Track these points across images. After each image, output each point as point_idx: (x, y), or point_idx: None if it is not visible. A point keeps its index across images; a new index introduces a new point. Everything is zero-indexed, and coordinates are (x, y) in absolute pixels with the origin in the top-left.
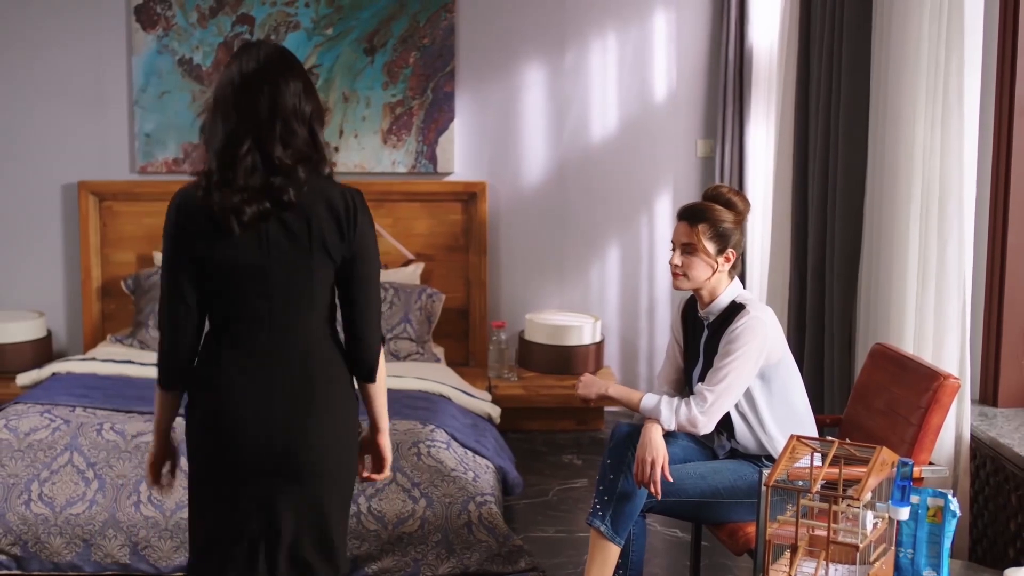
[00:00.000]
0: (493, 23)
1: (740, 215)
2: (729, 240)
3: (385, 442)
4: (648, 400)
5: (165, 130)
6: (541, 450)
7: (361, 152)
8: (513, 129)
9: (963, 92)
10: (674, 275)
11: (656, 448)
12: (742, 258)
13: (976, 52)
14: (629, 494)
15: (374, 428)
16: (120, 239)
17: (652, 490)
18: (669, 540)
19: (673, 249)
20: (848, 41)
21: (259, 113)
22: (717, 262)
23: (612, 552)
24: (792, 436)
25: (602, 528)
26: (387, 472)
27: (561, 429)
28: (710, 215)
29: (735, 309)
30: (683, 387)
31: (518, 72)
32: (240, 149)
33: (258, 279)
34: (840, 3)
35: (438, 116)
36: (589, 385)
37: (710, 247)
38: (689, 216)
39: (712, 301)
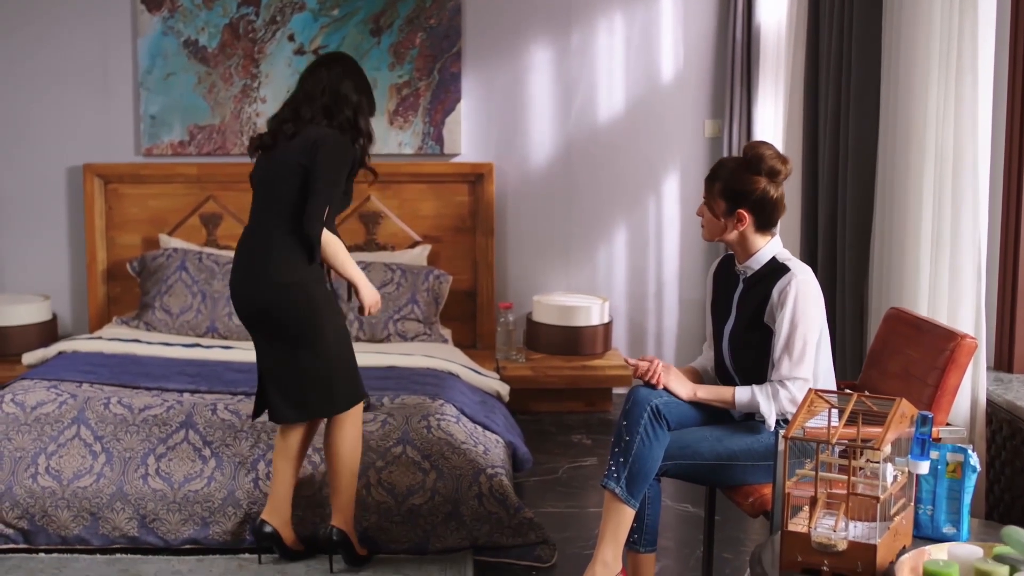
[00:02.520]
0: (500, 4)
1: (769, 177)
2: (744, 200)
3: (361, 293)
4: (742, 394)
5: (170, 112)
6: (550, 430)
7: None
8: (520, 110)
9: (977, 54)
10: (701, 226)
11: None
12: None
13: (990, 13)
14: (644, 456)
15: (350, 286)
16: (126, 222)
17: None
18: (681, 514)
19: None
20: (859, 9)
21: (308, 89)
22: (724, 222)
23: (627, 515)
24: (810, 390)
25: (617, 490)
26: (368, 311)
27: (570, 410)
28: (722, 174)
29: (777, 269)
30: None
31: (525, 53)
32: (283, 110)
33: (256, 186)
34: None
35: (444, 97)
36: (683, 386)
37: (719, 206)
38: (709, 174)
39: (748, 257)
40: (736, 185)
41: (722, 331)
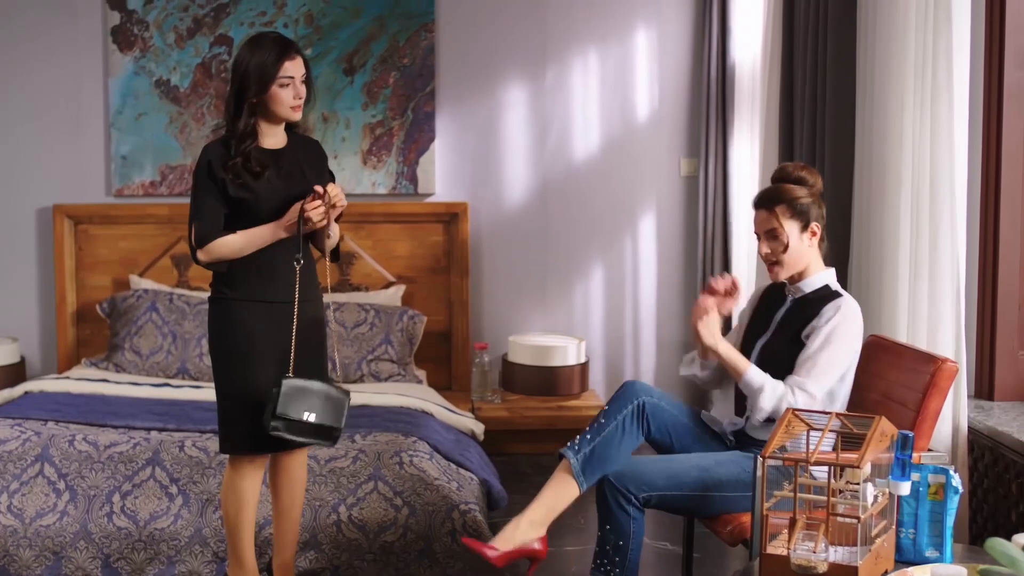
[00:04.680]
0: (473, 42)
1: (813, 188)
2: (809, 215)
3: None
4: (753, 376)
5: (142, 152)
6: (526, 471)
7: (341, 173)
8: (494, 149)
9: (952, 78)
10: (768, 267)
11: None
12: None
13: (964, 36)
14: (611, 444)
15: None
16: (96, 263)
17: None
18: (659, 551)
19: (759, 240)
20: (833, 36)
21: None
22: (803, 240)
23: (571, 490)
24: (788, 409)
25: (572, 460)
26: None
27: (546, 452)
28: (784, 195)
29: (829, 295)
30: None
31: (499, 91)
32: None
33: None
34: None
35: (418, 136)
36: (710, 331)
37: (793, 227)
38: (765, 202)
39: (802, 279)
40: (799, 200)
41: (753, 346)
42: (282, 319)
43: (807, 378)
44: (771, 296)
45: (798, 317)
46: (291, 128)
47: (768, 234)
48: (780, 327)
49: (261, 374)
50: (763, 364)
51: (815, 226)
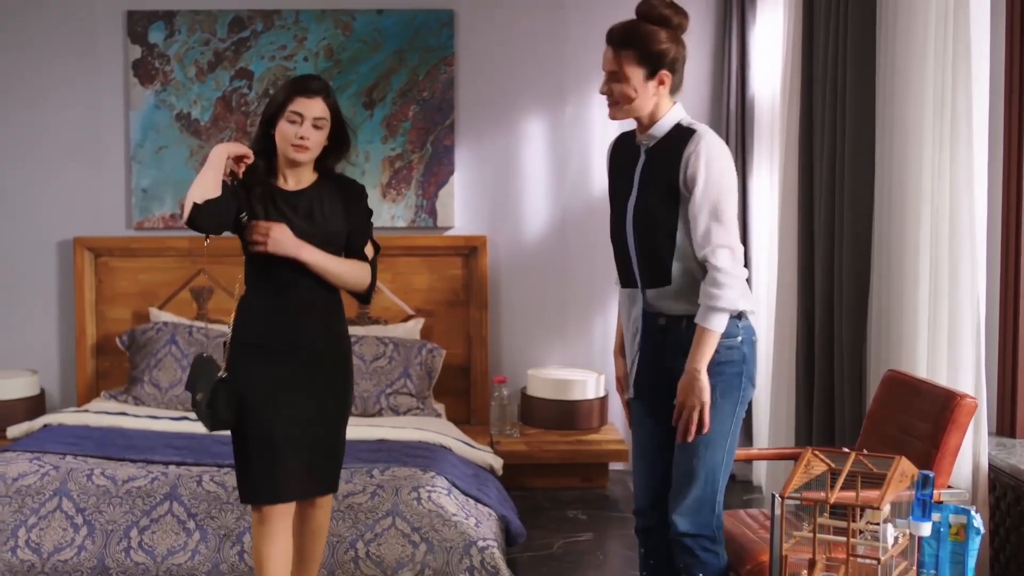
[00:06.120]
0: (492, 76)
1: (677, 28)
2: (662, 61)
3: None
4: (708, 320)
5: (162, 185)
6: (544, 506)
7: None
8: (513, 182)
9: (971, 111)
10: (608, 104)
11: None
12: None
13: (983, 70)
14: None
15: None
16: (116, 296)
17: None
18: None
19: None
20: (852, 70)
21: None
22: (647, 88)
23: None
24: (807, 449)
25: None
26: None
27: (565, 486)
28: (636, 38)
29: (683, 133)
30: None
31: (518, 124)
32: None
33: None
34: (844, 26)
35: (438, 170)
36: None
37: (638, 73)
38: (614, 40)
39: (651, 125)
40: (652, 45)
41: (624, 209)
42: (299, 364)
43: (722, 236)
44: (624, 149)
45: (658, 167)
46: (328, 172)
47: (611, 75)
48: (644, 183)
49: (273, 418)
50: (639, 232)
51: (664, 74)
